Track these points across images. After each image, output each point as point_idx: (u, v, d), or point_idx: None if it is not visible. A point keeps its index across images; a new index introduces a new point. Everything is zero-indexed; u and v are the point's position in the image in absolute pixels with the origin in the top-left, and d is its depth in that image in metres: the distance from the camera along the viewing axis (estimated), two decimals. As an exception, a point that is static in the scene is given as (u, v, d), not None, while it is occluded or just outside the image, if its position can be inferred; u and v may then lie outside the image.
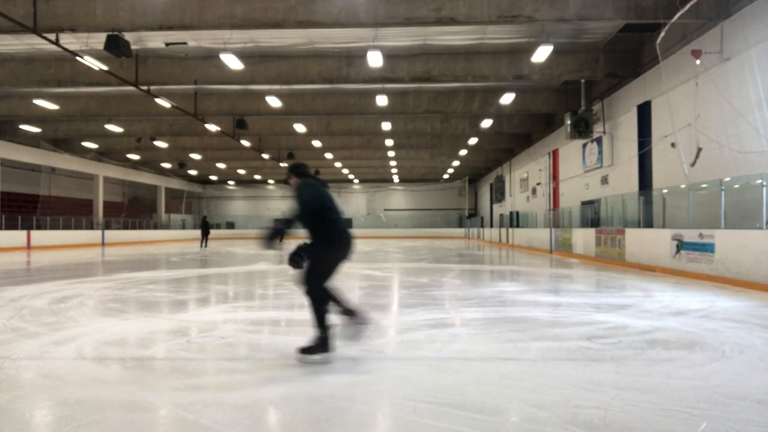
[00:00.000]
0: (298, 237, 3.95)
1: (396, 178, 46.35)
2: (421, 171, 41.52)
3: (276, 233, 3.91)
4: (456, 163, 35.21)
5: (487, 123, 21.43)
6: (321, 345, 4.03)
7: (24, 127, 23.09)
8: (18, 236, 24.61)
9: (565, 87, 18.35)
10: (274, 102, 18.06)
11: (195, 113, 18.54)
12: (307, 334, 5.12)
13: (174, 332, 5.22)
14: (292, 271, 4.04)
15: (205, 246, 26.17)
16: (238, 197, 51.53)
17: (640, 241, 12.50)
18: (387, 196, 50.12)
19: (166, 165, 36.77)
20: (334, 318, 4.08)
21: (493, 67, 14.91)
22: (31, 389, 3.43)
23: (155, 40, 14.06)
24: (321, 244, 4.02)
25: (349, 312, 4.13)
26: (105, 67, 13.64)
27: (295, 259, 3.94)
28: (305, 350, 4.03)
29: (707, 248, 9.59)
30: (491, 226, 37.40)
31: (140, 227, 37.15)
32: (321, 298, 4.01)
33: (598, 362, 4.00)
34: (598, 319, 5.79)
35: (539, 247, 21.39)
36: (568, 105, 18.30)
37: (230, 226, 48.74)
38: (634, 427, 2.73)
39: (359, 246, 27.90)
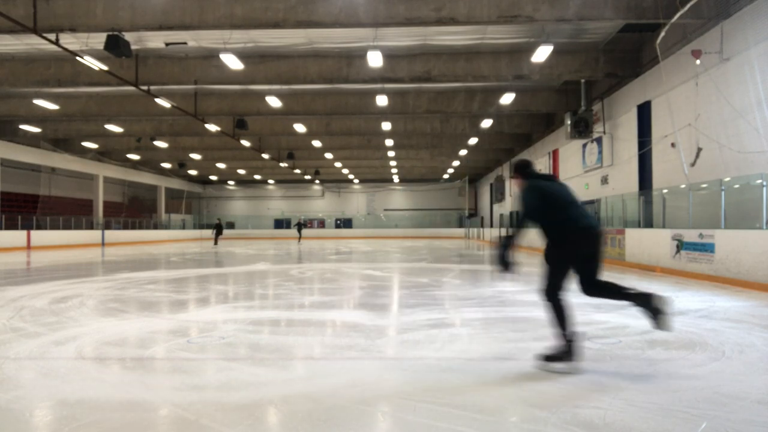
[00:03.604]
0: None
1: (396, 178, 46.34)
2: (421, 171, 41.51)
3: (505, 250, 3.84)
4: (456, 163, 35.20)
5: (487, 123, 21.42)
6: (565, 353, 3.72)
7: (24, 127, 23.09)
8: (18, 236, 24.61)
9: (565, 87, 18.35)
10: (274, 102, 18.06)
11: (195, 113, 18.53)
12: (308, 334, 5.12)
13: (174, 332, 5.22)
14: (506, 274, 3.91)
15: (215, 244, 28.79)
16: (238, 197, 51.53)
17: (640, 241, 12.50)
18: (387, 196, 50.12)
19: (166, 165, 36.76)
20: (575, 323, 3.85)
21: (493, 67, 14.90)
22: (31, 389, 3.43)
23: (155, 40, 14.06)
24: (552, 247, 3.92)
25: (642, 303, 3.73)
26: (105, 67, 13.64)
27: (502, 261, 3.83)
28: (549, 358, 3.75)
29: (707, 248, 9.59)
30: (491, 226, 37.40)
31: (140, 227, 37.15)
32: (554, 303, 3.77)
33: (598, 362, 4.00)
34: (598, 319, 5.79)
35: (539, 247, 21.37)
36: (568, 105, 18.29)
37: (230, 226, 48.71)
38: (634, 427, 2.73)
39: (359, 246, 28.01)
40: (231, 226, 48.72)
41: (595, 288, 3.87)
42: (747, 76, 9.97)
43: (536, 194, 3.89)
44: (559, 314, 3.75)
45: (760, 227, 8.84)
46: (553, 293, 3.79)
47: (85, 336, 4.96)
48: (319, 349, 4.53)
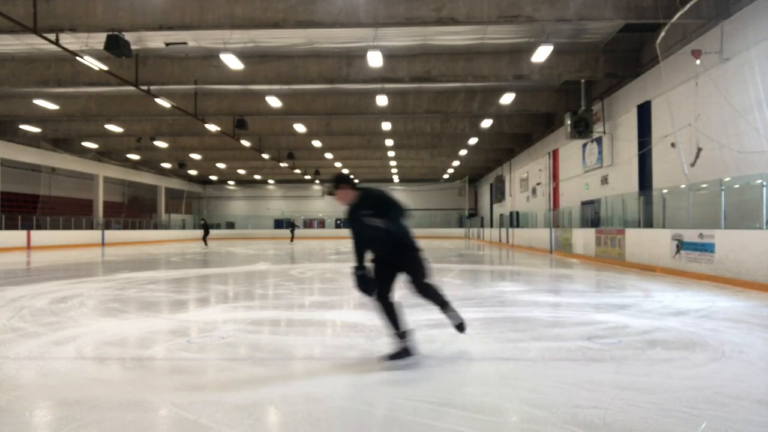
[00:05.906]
0: None
1: (396, 178, 46.32)
2: (421, 171, 41.50)
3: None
4: (456, 163, 35.20)
5: (487, 123, 21.42)
6: (404, 349, 3.99)
7: (24, 127, 23.09)
8: (18, 236, 24.61)
9: (565, 87, 18.34)
10: (274, 102, 18.06)
11: (195, 113, 18.53)
12: (308, 334, 5.13)
13: (174, 332, 5.22)
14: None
15: (205, 244, 28.22)
16: (238, 197, 51.53)
17: (640, 241, 12.50)
18: (387, 196, 50.04)
19: (166, 165, 36.76)
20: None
21: (493, 67, 14.90)
22: (31, 389, 3.43)
23: (155, 40, 14.06)
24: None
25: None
26: (105, 67, 13.63)
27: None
28: (392, 356, 3.98)
29: (707, 248, 9.58)
30: (491, 226, 37.39)
31: (140, 227, 37.14)
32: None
33: (598, 362, 4.00)
34: (598, 319, 5.79)
35: (539, 247, 21.39)
36: (568, 105, 18.29)
37: (230, 226, 48.73)
38: (634, 427, 2.73)
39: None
40: (231, 225, 48.73)
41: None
42: (747, 76, 9.97)
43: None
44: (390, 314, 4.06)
45: (760, 227, 8.83)
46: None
47: (85, 336, 4.96)
48: (319, 349, 4.53)
